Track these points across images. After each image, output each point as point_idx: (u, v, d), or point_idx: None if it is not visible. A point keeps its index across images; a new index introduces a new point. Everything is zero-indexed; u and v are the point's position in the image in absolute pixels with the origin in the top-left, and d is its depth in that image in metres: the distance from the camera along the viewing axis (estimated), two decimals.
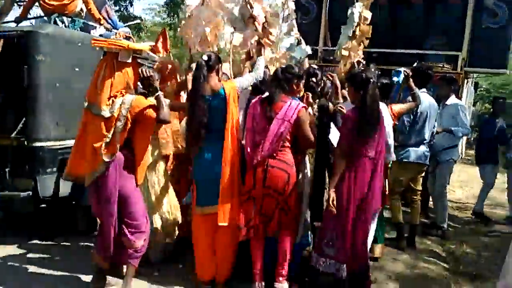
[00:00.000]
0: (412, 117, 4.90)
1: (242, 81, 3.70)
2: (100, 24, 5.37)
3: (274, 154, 3.40)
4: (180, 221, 4.01)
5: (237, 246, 3.64)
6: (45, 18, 5.14)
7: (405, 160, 4.92)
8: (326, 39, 7.97)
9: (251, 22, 4.13)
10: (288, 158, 3.46)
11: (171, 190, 3.98)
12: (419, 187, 5.24)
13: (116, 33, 5.28)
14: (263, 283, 3.54)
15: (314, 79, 4.04)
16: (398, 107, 4.52)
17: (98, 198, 3.29)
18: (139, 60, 3.53)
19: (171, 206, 3.95)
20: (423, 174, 5.28)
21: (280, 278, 3.50)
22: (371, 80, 3.39)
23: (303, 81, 3.73)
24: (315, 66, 4.46)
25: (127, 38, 5.65)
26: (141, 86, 3.52)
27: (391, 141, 4.05)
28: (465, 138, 10.14)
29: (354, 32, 4.84)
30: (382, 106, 3.92)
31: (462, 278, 4.46)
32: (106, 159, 3.15)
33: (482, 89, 18.41)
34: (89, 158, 3.21)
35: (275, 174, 3.39)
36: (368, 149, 3.40)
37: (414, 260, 4.76)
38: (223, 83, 3.58)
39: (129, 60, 3.25)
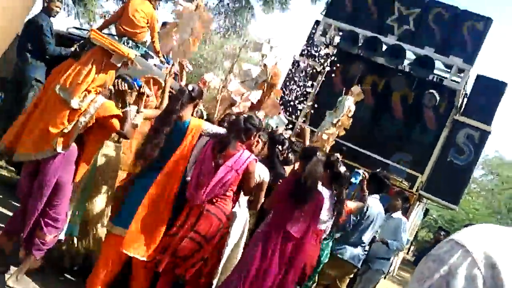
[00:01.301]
0: (358, 218, 4.95)
1: (211, 128, 3.60)
2: (158, 56, 6.00)
3: (214, 200, 3.31)
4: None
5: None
6: (116, 38, 5.77)
7: (339, 256, 4.90)
8: (307, 117, 8.17)
9: (263, 86, 4.31)
10: (226, 208, 3.36)
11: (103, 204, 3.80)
12: (344, 287, 5.20)
13: (166, 67, 5.96)
14: None
15: (280, 147, 4.06)
16: (351, 205, 4.54)
17: (33, 180, 3.14)
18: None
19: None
20: (351, 276, 5.26)
21: None
22: (318, 155, 3.46)
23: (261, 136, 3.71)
24: (285, 136, 4.52)
25: (176, 75, 6.23)
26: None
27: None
28: (401, 256, 10.32)
29: (338, 120, 5.02)
30: (326, 193, 3.94)
31: None
32: (59, 150, 3.04)
33: (431, 217, 19.01)
34: (38, 138, 3.07)
35: (208, 219, 3.26)
36: (293, 224, 3.35)
37: None
38: (192, 118, 3.53)
39: (119, 65, 3.25)
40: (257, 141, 3.68)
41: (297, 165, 3.89)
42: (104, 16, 13.46)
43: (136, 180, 3.45)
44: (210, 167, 3.34)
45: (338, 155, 4.35)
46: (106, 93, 3.34)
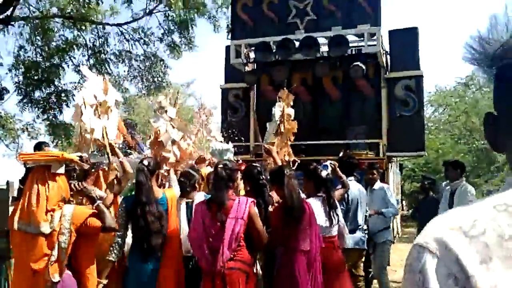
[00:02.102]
0: (345, 205, 5.09)
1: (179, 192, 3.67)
2: (135, 150, 5.93)
3: (232, 255, 3.28)
4: None
5: None
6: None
7: (344, 247, 5.01)
8: (256, 135, 8.31)
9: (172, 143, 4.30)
10: (246, 257, 3.35)
11: None
12: (361, 273, 5.30)
13: (144, 155, 6.00)
14: None
15: (263, 177, 4.04)
16: (335, 195, 4.68)
17: None
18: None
19: None
20: (363, 259, 5.38)
21: None
22: (286, 172, 3.56)
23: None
24: (259, 165, 4.57)
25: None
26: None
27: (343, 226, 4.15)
28: (399, 217, 10.56)
29: (277, 129, 5.09)
30: (316, 202, 4.08)
31: None
32: (54, 279, 2.85)
33: (407, 169, 19.51)
34: (30, 283, 2.88)
35: (234, 277, 3.24)
36: (300, 242, 3.45)
37: None
38: (165, 190, 3.56)
39: (62, 171, 3.09)
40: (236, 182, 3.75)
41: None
42: (27, 128, 13.14)
43: (137, 271, 3.38)
44: (216, 228, 3.32)
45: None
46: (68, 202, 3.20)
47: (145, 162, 3.47)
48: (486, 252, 0.69)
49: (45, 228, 2.90)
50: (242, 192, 3.96)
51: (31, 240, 2.91)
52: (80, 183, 3.22)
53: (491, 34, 0.80)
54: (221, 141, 5.21)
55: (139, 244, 3.37)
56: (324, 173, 4.08)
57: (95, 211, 3.11)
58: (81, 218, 3.02)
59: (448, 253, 0.70)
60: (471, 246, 0.69)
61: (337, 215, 4.07)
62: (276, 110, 5.19)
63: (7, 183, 10.48)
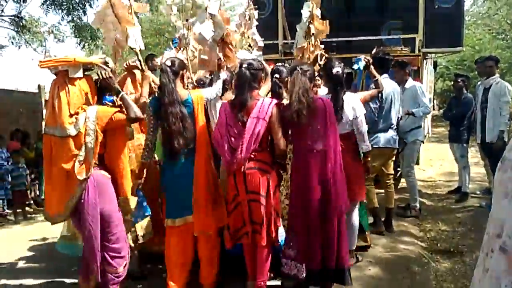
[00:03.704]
0: (378, 103, 4.96)
1: (210, 93, 3.57)
2: None
3: (252, 156, 3.29)
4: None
5: (219, 251, 3.59)
6: None
7: (375, 146, 4.96)
8: (285, 32, 7.98)
9: (221, 42, 4.03)
10: (266, 158, 3.36)
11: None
12: (391, 171, 5.31)
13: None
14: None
15: (278, 75, 3.87)
16: (362, 95, 4.51)
17: (79, 221, 3.13)
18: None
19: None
20: (393, 158, 5.35)
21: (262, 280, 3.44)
22: (297, 68, 3.42)
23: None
24: (279, 64, 4.39)
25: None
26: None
27: (363, 129, 4.02)
28: (430, 116, 10.36)
29: (307, 31, 4.76)
30: (350, 95, 3.93)
31: (441, 255, 4.57)
32: (80, 177, 3.01)
33: (441, 66, 18.82)
34: (63, 184, 3.07)
35: (255, 177, 3.28)
36: (312, 142, 3.35)
37: (392, 243, 4.82)
38: (190, 91, 3.49)
39: (80, 75, 3.16)
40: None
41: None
42: (52, 31, 12.94)
43: (170, 171, 3.48)
44: (238, 127, 3.33)
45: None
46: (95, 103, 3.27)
47: (168, 63, 3.37)
48: None
49: (71, 131, 3.06)
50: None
51: (60, 142, 3.08)
52: (107, 72, 3.23)
53: None
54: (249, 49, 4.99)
55: (165, 145, 3.42)
56: (335, 70, 3.84)
57: (118, 109, 3.20)
58: (106, 116, 3.14)
59: None
60: None
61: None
62: (304, 11, 4.82)
63: (39, 86, 10.56)
